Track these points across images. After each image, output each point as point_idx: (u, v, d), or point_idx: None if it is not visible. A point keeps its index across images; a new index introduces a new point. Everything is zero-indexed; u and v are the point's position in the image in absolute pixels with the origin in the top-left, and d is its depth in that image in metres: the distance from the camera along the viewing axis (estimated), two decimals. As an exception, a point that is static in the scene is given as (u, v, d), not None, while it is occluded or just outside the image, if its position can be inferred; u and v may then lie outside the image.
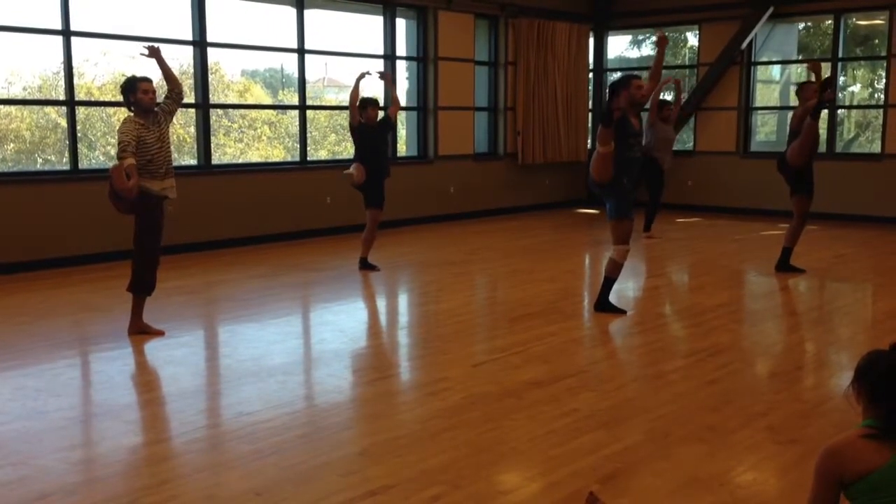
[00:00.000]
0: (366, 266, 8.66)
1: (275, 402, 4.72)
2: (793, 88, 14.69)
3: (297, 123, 11.21)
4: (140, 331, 6.09)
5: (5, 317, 6.79)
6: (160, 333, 6.10)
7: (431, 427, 4.34)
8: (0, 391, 5.00)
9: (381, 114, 8.86)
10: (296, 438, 4.21)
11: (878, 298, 7.94)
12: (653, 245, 10.52)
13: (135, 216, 6.04)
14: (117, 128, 6.00)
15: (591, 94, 14.73)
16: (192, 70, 10.18)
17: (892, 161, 12.18)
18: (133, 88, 5.95)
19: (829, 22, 13.13)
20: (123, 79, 6.16)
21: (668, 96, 12.24)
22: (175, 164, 10.18)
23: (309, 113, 11.50)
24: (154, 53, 6.18)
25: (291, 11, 10.77)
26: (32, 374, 5.31)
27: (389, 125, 8.85)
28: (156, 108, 6.07)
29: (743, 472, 3.83)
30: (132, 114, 5.98)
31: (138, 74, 6.08)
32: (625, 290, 7.95)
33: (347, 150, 13.37)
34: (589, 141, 14.73)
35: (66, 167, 9.18)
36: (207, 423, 4.54)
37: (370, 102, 8.66)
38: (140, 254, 6.09)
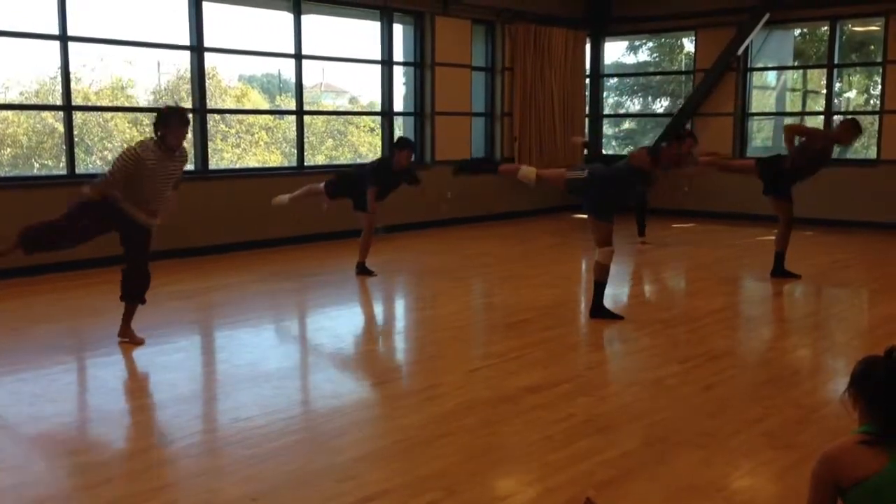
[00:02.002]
0: (363, 271, 8.65)
1: (271, 407, 4.71)
2: (790, 95, 14.76)
3: (295, 128, 11.22)
4: (123, 336, 6.05)
5: (2, 322, 6.77)
6: (139, 342, 6.02)
7: (427, 432, 4.33)
8: (-4, 396, 4.99)
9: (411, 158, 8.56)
10: (292, 444, 4.20)
11: (873, 304, 7.95)
12: (648, 251, 10.53)
13: (120, 229, 5.95)
14: (123, 150, 5.77)
15: (587, 99, 14.75)
16: (189, 75, 10.18)
17: (887, 167, 12.21)
18: (167, 125, 5.65)
19: (825, 28, 13.17)
20: (166, 107, 5.86)
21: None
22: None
23: (306, 118, 11.49)
24: None
25: (288, 17, 10.78)
26: (29, 379, 5.30)
27: (407, 178, 8.65)
28: (178, 153, 5.83)
29: (739, 478, 3.83)
30: (152, 141, 5.71)
31: (182, 109, 5.80)
32: (621, 295, 7.96)
33: (345, 154, 13.41)
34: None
35: (63, 172, 9.16)
36: (204, 429, 4.54)
37: (407, 144, 8.48)
38: (126, 262, 6.05)
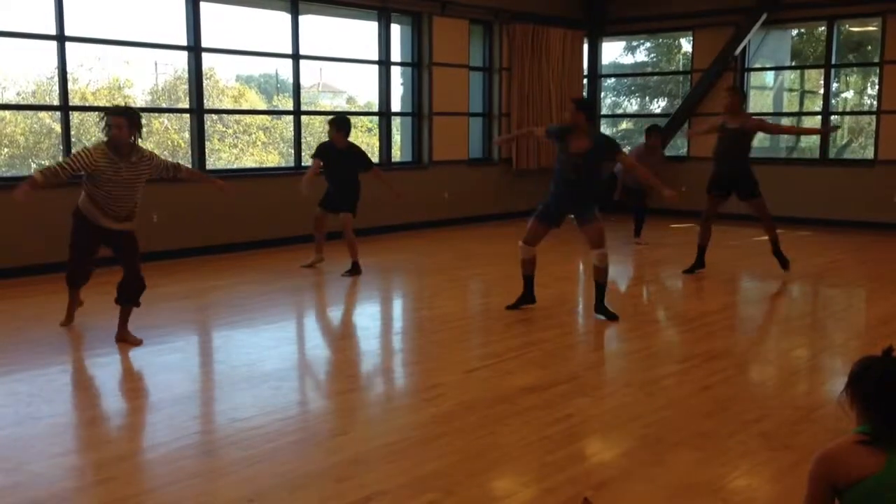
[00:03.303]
0: (355, 270, 8.66)
1: (268, 407, 4.71)
2: (787, 95, 14.77)
3: (292, 129, 11.21)
4: (121, 340, 6.06)
5: (-2, 322, 6.77)
6: (138, 343, 6.02)
7: (425, 433, 4.33)
8: (-7, 397, 4.98)
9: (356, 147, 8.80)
10: (289, 444, 4.20)
11: (871, 304, 7.96)
12: (646, 250, 10.53)
13: (108, 242, 6.10)
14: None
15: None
16: (186, 75, 10.17)
17: (884, 167, 12.22)
18: (106, 121, 5.75)
19: (822, 28, 13.18)
20: (124, 104, 6.01)
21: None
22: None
23: (303, 118, 11.49)
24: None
25: (286, 17, 10.77)
26: (25, 379, 5.29)
27: (356, 158, 8.71)
28: (146, 156, 5.92)
29: (736, 479, 3.83)
30: (103, 143, 5.80)
31: (124, 105, 5.95)
32: (620, 295, 7.96)
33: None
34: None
35: (60, 172, 9.14)
36: (201, 429, 4.53)
37: (337, 123, 8.61)
38: (124, 270, 6.12)
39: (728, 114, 8.49)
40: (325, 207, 8.86)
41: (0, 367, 5.51)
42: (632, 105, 16.75)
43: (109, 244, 6.13)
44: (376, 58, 11.90)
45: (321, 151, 8.67)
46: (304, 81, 11.29)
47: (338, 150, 8.59)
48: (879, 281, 8.84)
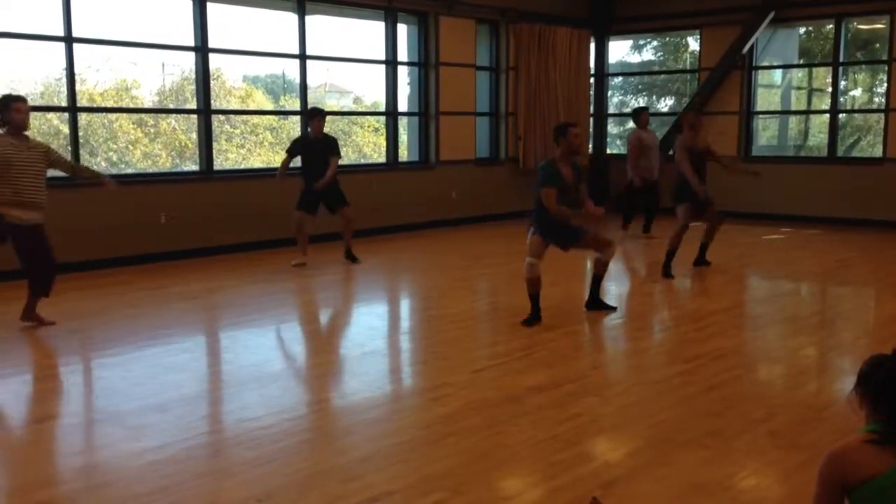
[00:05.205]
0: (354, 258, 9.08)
1: (276, 407, 4.72)
2: (795, 93, 14.71)
3: (299, 129, 11.22)
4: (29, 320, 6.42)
5: (6, 323, 6.77)
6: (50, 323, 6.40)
7: (433, 433, 4.33)
8: (1, 398, 5.00)
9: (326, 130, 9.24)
10: (297, 444, 4.21)
11: (879, 303, 7.93)
12: (653, 248, 10.50)
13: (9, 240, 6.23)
14: None
15: (592, 98, 14.74)
16: (193, 76, 10.19)
17: (893, 165, 12.17)
18: (6, 107, 6.15)
19: (830, 26, 13.14)
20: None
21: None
22: (177, 169, 10.26)
23: (310, 118, 11.48)
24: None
25: (293, 17, 10.79)
26: (33, 379, 5.31)
27: (330, 147, 9.08)
28: (40, 144, 6.28)
29: (745, 478, 3.82)
30: (2, 131, 6.15)
31: (13, 94, 6.33)
32: (626, 294, 7.95)
33: (349, 155, 13.41)
34: (590, 145, 14.75)
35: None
36: (209, 429, 4.54)
37: (317, 112, 9.10)
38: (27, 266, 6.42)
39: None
40: (306, 210, 9.04)
41: (8, 368, 5.53)
42: (639, 104, 16.71)
43: (10, 240, 6.24)
44: (383, 58, 11.91)
45: (297, 146, 9.17)
46: (310, 82, 11.29)
47: (309, 140, 9.07)
48: (888, 279, 8.81)
